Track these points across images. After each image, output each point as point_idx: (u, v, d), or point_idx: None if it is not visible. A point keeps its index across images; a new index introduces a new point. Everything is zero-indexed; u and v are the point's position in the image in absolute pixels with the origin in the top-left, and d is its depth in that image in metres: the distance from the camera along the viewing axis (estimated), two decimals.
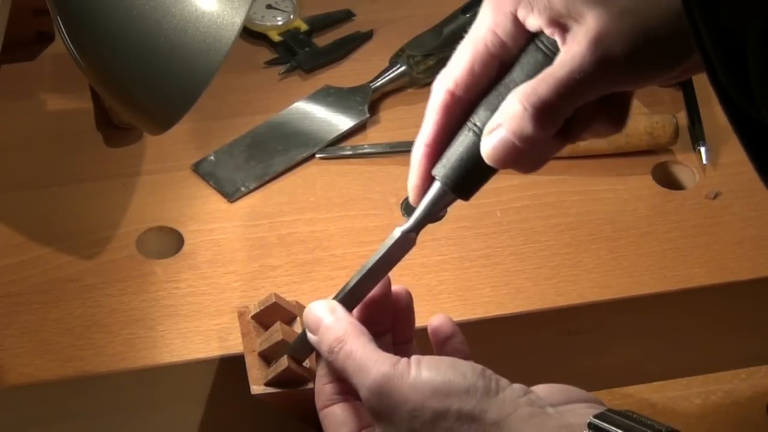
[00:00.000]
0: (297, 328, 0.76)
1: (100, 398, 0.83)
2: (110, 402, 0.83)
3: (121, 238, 0.90)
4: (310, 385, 0.73)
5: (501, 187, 0.95)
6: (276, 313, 0.77)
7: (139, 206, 0.92)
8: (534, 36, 0.63)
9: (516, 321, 0.85)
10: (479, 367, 0.64)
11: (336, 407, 0.67)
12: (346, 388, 0.68)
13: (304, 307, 0.78)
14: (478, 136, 0.64)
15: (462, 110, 0.65)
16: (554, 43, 0.62)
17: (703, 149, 0.97)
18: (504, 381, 0.64)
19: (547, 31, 0.61)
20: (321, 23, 1.11)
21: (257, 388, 0.74)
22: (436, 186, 0.67)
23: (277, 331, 0.74)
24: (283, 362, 0.72)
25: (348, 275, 0.87)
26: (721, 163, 0.97)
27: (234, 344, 0.81)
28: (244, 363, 0.75)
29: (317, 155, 0.98)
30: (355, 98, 1.02)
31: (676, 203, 0.94)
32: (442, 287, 0.87)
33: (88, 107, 1.00)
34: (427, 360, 0.64)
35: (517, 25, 0.63)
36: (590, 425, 0.60)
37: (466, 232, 0.91)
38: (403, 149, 0.98)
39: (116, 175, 0.95)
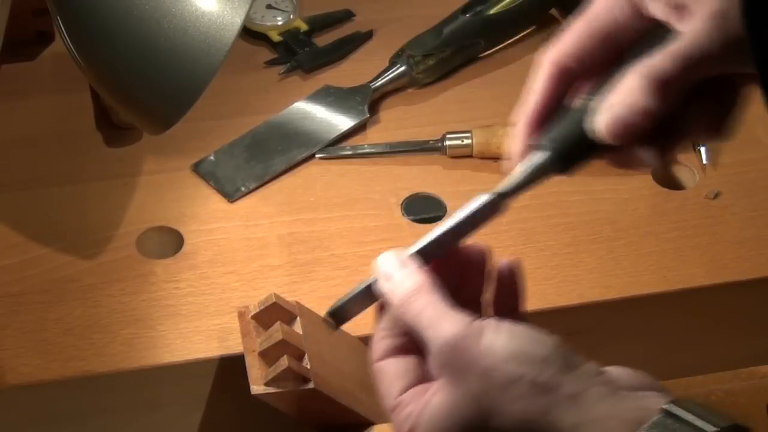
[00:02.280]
0: (297, 328, 0.76)
1: (100, 398, 0.83)
2: (110, 402, 0.83)
3: (121, 238, 0.90)
4: (311, 385, 0.73)
5: None
6: (276, 313, 0.77)
7: (139, 206, 0.92)
8: (651, 24, 0.62)
9: None
10: (557, 337, 0.63)
11: (392, 360, 0.65)
12: (405, 345, 0.65)
13: (304, 307, 0.78)
14: (589, 110, 0.63)
15: (568, 85, 0.65)
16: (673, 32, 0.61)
17: (703, 149, 0.97)
18: (579, 356, 0.63)
19: (666, 14, 0.61)
20: (321, 23, 1.11)
21: (257, 388, 0.74)
22: (540, 155, 0.64)
23: (277, 331, 0.74)
24: (283, 362, 0.72)
25: (348, 275, 0.88)
26: (721, 163, 0.97)
27: (234, 344, 0.81)
28: (244, 363, 0.75)
29: (317, 155, 0.98)
30: (355, 98, 1.02)
31: (676, 203, 0.94)
32: None
33: (88, 107, 1.00)
34: (506, 324, 0.62)
35: (634, 8, 0.62)
36: (664, 410, 0.60)
37: None
38: (403, 149, 0.98)
39: (116, 175, 0.95)
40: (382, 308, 0.66)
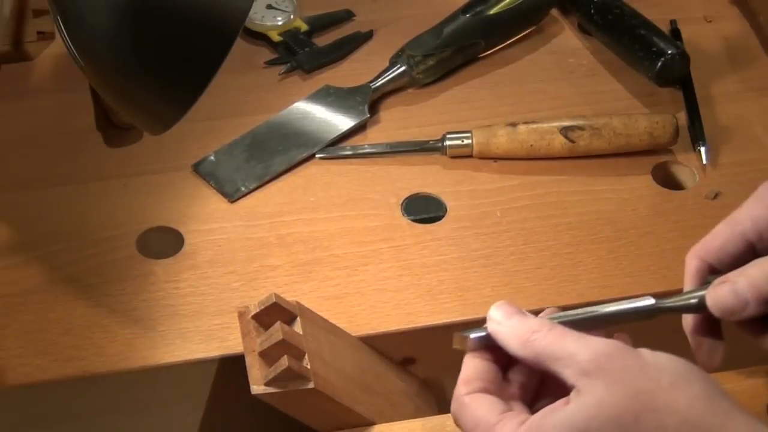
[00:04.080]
0: (297, 328, 0.76)
1: (100, 398, 0.83)
2: (110, 402, 0.83)
3: (121, 238, 0.90)
4: (310, 385, 0.73)
5: (501, 187, 0.95)
6: (276, 313, 0.76)
7: (139, 206, 0.92)
8: None
9: None
10: None
11: (485, 394, 0.65)
12: (491, 390, 0.66)
13: (304, 307, 0.78)
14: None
15: (711, 273, 0.69)
16: None
17: (703, 149, 0.97)
18: None
19: None
20: (321, 23, 1.11)
21: (257, 388, 0.74)
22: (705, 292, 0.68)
23: (277, 331, 0.74)
24: (283, 362, 0.72)
25: (348, 275, 0.88)
26: (721, 163, 0.97)
27: (234, 344, 0.81)
28: (244, 363, 0.75)
29: (317, 155, 0.98)
30: (355, 98, 1.02)
31: (676, 203, 0.94)
32: (442, 287, 0.87)
33: (88, 107, 1.00)
34: (662, 352, 0.64)
35: None
36: None
37: (466, 232, 0.91)
38: (403, 149, 0.98)
39: (116, 175, 0.95)
40: (471, 356, 0.67)
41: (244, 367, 0.75)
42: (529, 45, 1.09)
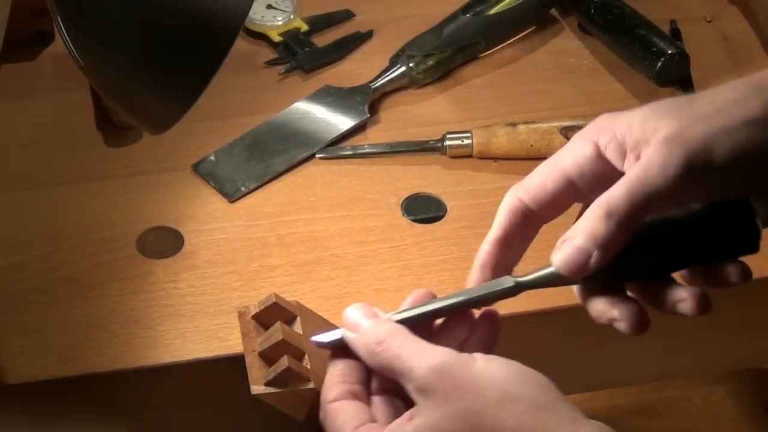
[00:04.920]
0: (297, 328, 0.76)
1: (100, 398, 0.83)
2: (110, 402, 0.83)
3: (121, 238, 0.90)
4: (310, 385, 0.73)
5: (501, 187, 0.95)
6: (276, 313, 0.76)
7: (139, 206, 0.92)
8: (610, 169, 0.65)
9: (516, 321, 0.85)
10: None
11: (346, 402, 0.66)
12: (357, 392, 0.67)
13: (304, 307, 0.78)
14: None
15: (530, 220, 0.68)
16: None
17: None
18: None
19: (616, 157, 0.64)
20: (321, 23, 1.11)
21: (257, 388, 0.73)
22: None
23: (277, 331, 0.74)
24: (283, 362, 0.72)
25: (348, 275, 0.88)
26: None
27: (234, 344, 0.81)
28: (244, 363, 0.75)
29: (317, 155, 0.98)
30: (355, 98, 1.02)
31: None
32: (442, 287, 0.87)
33: (88, 107, 1.00)
34: (496, 356, 0.63)
35: (598, 152, 0.65)
36: None
37: (466, 232, 0.91)
38: (403, 149, 0.98)
39: (116, 175, 0.95)
40: (336, 354, 0.68)
41: (244, 367, 0.75)
42: (529, 45, 1.09)
